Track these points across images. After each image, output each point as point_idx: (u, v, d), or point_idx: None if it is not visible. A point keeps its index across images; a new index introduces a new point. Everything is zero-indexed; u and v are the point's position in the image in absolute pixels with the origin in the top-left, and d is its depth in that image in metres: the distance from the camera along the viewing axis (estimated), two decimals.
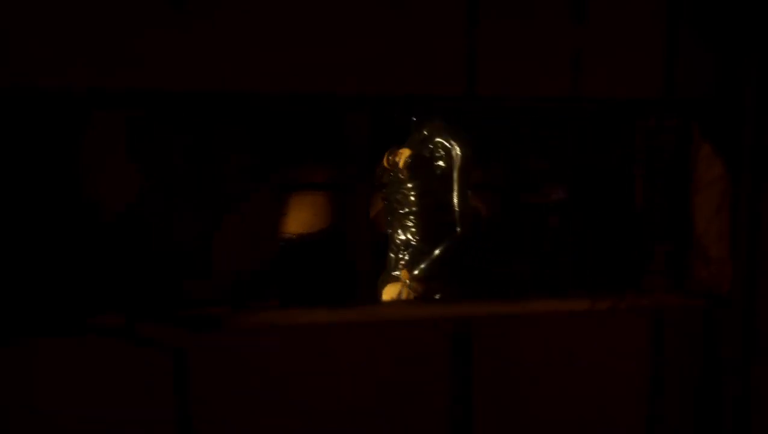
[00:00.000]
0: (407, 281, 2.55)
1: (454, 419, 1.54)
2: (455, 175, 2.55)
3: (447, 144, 2.55)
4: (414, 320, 1.54)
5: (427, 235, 2.59)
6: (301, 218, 3.01)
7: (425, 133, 2.58)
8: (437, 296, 2.53)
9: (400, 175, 2.64)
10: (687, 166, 1.73)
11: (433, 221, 2.61)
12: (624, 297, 1.63)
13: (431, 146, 2.58)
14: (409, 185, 2.62)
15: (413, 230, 2.64)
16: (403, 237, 2.66)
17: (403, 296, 2.53)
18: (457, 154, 2.53)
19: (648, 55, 1.55)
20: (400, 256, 2.64)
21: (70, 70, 1.32)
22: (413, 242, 2.62)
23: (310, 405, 1.48)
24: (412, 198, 2.62)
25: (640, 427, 1.64)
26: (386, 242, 2.77)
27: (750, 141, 1.57)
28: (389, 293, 2.59)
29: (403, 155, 2.62)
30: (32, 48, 1.29)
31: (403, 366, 1.52)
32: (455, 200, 2.56)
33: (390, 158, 2.67)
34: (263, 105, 1.88)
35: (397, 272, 2.62)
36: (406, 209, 2.65)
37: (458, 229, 2.53)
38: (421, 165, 2.59)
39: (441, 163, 2.56)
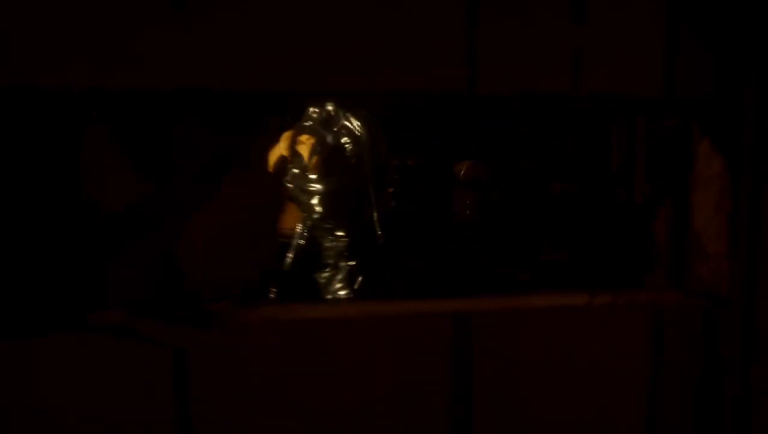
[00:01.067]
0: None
1: (454, 419, 1.54)
2: (366, 167, 2.11)
3: (351, 127, 2.07)
4: (414, 316, 1.54)
5: (349, 235, 2.18)
6: (299, 215, 2.99)
7: (326, 113, 2.04)
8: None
9: (303, 164, 2.13)
10: (687, 164, 1.73)
11: (353, 218, 2.19)
12: (623, 293, 1.63)
13: (335, 131, 2.08)
14: (317, 186, 2.14)
15: (326, 231, 2.19)
16: (325, 242, 2.21)
17: None
18: (365, 138, 2.08)
19: (648, 55, 1.55)
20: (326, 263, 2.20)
21: (70, 70, 1.32)
22: (333, 248, 2.20)
23: (310, 405, 1.48)
24: (324, 196, 2.15)
25: (640, 427, 1.64)
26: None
27: (750, 141, 1.57)
28: None
29: (306, 145, 2.09)
30: (32, 48, 1.29)
31: (403, 366, 1.52)
32: (372, 198, 2.13)
33: (286, 146, 2.14)
34: (263, 105, 1.88)
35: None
36: (314, 204, 2.17)
37: (379, 234, 2.14)
38: (329, 157, 2.10)
39: (349, 151, 2.10)
